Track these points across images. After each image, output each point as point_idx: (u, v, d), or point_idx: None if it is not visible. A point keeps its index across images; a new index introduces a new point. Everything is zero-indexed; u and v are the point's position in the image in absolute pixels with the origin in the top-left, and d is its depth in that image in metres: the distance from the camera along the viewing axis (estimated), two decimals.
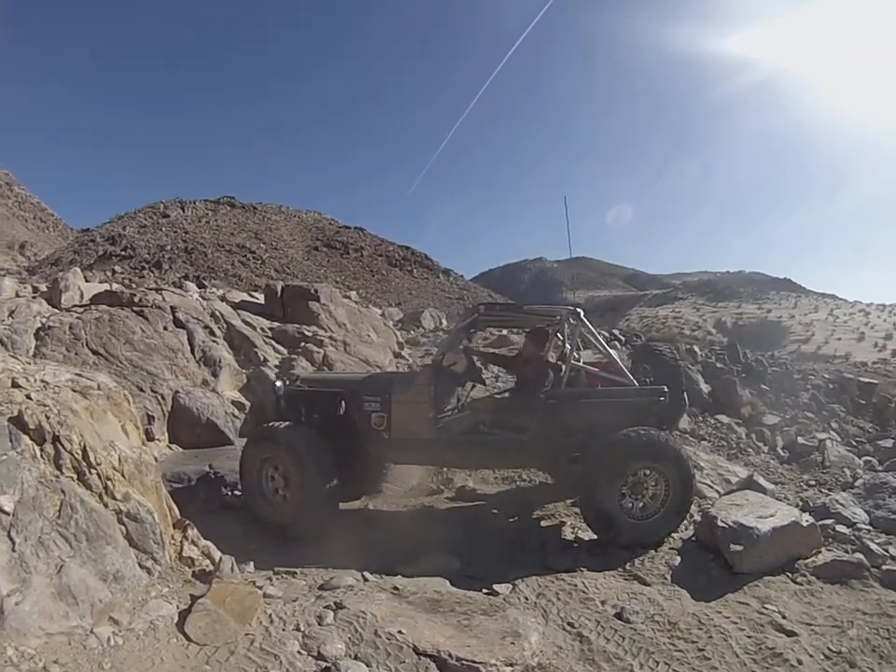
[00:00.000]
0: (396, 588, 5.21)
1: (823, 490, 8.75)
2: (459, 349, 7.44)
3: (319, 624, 4.31)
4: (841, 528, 6.88)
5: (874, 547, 6.39)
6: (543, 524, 7.46)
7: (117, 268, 35.89)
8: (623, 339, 16.63)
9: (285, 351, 13.11)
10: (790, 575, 5.97)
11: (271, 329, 14.08)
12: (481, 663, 4.00)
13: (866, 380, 14.67)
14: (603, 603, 5.30)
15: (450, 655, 4.03)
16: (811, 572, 6.00)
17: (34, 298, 12.35)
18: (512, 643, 4.29)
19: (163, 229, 57.30)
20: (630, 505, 6.48)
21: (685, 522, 6.79)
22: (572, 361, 7.07)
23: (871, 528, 6.98)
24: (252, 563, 5.75)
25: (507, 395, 7.77)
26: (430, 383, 7.03)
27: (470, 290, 72.00)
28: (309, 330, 14.05)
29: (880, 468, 9.56)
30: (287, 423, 7.15)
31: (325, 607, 4.58)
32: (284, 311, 15.41)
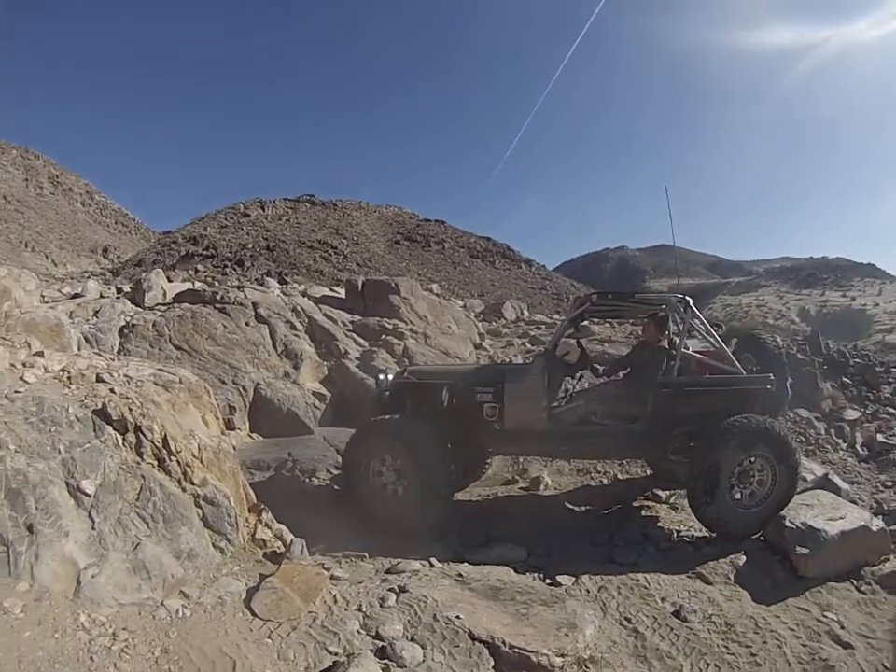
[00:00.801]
0: (460, 575, 5.33)
1: None
2: (571, 339, 7.55)
3: (381, 606, 4.48)
4: None
5: None
6: (613, 518, 7.44)
7: (199, 267, 36.54)
8: (723, 327, 16.25)
9: (366, 344, 13.26)
10: (854, 582, 5.91)
11: (352, 322, 14.26)
12: (532, 651, 4.11)
13: None
14: (663, 600, 5.34)
15: (503, 642, 4.15)
16: (876, 581, 5.90)
17: (117, 298, 12.69)
18: (567, 634, 4.41)
19: (244, 228, 57.95)
20: (739, 496, 6.51)
21: None
22: (685, 351, 7.12)
23: None
24: (323, 546, 5.94)
25: (619, 384, 7.67)
26: (543, 373, 7.06)
27: (553, 280, 71.18)
28: (390, 323, 14.12)
29: None
30: (401, 417, 7.19)
31: (388, 590, 4.75)
32: (365, 304, 15.57)
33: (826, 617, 5.26)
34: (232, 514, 5.00)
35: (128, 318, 11.16)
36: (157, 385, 5.33)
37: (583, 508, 7.78)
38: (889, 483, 8.93)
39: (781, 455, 6.44)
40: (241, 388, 10.31)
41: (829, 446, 10.31)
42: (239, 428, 9.71)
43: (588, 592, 5.43)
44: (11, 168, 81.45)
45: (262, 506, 5.62)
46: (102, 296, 13.02)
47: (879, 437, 10.51)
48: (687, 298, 7.20)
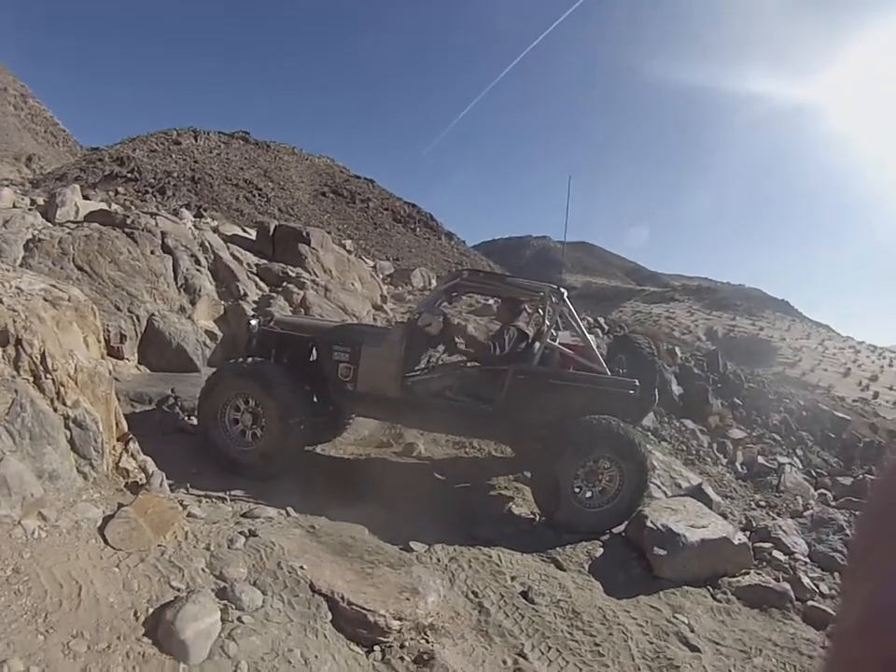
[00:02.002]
0: (313, 527, 5.35)
1: (771, 513, 8.75)
2: (437, 311, 7.36)
3: (228, 548, 4.46)
4: (777, 555, 6.95)
5: (805, 580, 6.48)
6: (480, 494, 7.49)
7: (120, 189, 35.80)
8: (605, 328, 16.34)
9: (266, 289, 13.19)
10: (711, 590, 6.00)
11: (257, 265, 14.15)
12: (370, 611, 4.09)
13: (840, 415, 14.69)
14: (513, 579, 5.33)
15: (342, 598, 4.13)
16: (733, 591, 6.02)
17: (30, 210, 12.33)
18: (408, 599, 4.38)
19: (173, 156, 56.73)
20: (579, 490, 6.53)
21: None
22: (548, 340, 7.05)
23: (808, 561, 7.04)
24: (188, 485, 5.90)
25: (477, 363, 7.64)
26: (402, 341, 6.96)
27: (470, 257, 71.65)
28: (293, 271, 14.15)
29: (833, 503, 9.44)
30: (264, 360, 7.16)
31: (239, 532, 4.72)
32: (274, 250, 15.54)
33: (676, 618, 5.31)
34: (99, 440, 4.77)
35: (35, 232, 10.87)
36: (46, 300, 5.00)
37: (451, 479, 7.81)
38: (763, 504, 9.20)
39: (625, 453, 6.48)
40: (135, 317, 10.06)
41: (709, 459, 10.53)
42: (128, 359, 9.56)
43: (439, 561, 5.42)
44: None
45: (131, 435, 5.43)
46: (14, 206, 12.69)
47: (760, 458, 10.80)
48: (561, 289, 7.14)
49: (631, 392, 6.70)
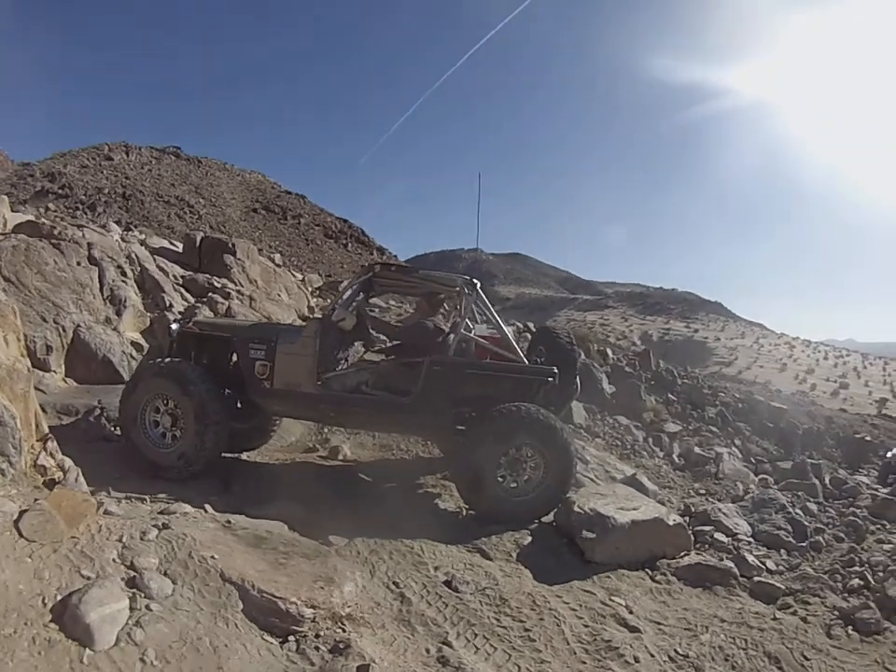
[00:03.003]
0: (228, 521, 5.24)
1: (711, 500, 8.70)
2: (349, 306, 7.41)
3: (141, 539, 4.36)
4: (719, 536, 6.90)
5: (750, 558, 6.40)
6: (406, 492, 7.47)
7: (51, 205, 35.22)
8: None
9: (192, 300, 13.11)
10: (649, 572, 5.94)
11: (183, 277, 14.10)
12: (281, 598, 4.01)
13: (776, 404, 14.91)
14: (436, 569, 5.25)
15: (253, 586, 4.05)
16: (672, 572, 5.94)
17: None
18: (322, 588, 4.30)
19: (104, 171, 56.15)
20: (503, 479, 6.50)
21: None
22: (462, 331, 7.00)
23: (752, 540, 7.03)
24: (109, 488, 5.81)
25: (393, 357, 7.62)
26: (316, 336, 6.94)
27: None
28: (219, 282, 14.12)
29: (774, 486, 9.44)
30: (181, 360, 7.16)
31: (153, 525, 4.62)
32: (200, 261, 15.51)
33: (613, 601, 5.19)
34: (17, 436, 4.78)
35: None
36: None
37: (377, 480, 7.79)
38: (703, 491, 9.23)
39: (546, 439, 6.44)
40: (61, 328, 9.85)
41: (645, 453, 10.57)
42: (55, 371, 9.36)
43: (359, 553, 5.35)
44: None
45: (49, 435, 5.42)
46: None
47: (697, 449, 10.89)
48: (475, 281, 7.18)
49: (550, 379, 6.73)
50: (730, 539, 6.93)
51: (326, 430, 9.18)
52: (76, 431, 7.46)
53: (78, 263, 11.46)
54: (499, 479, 6.48)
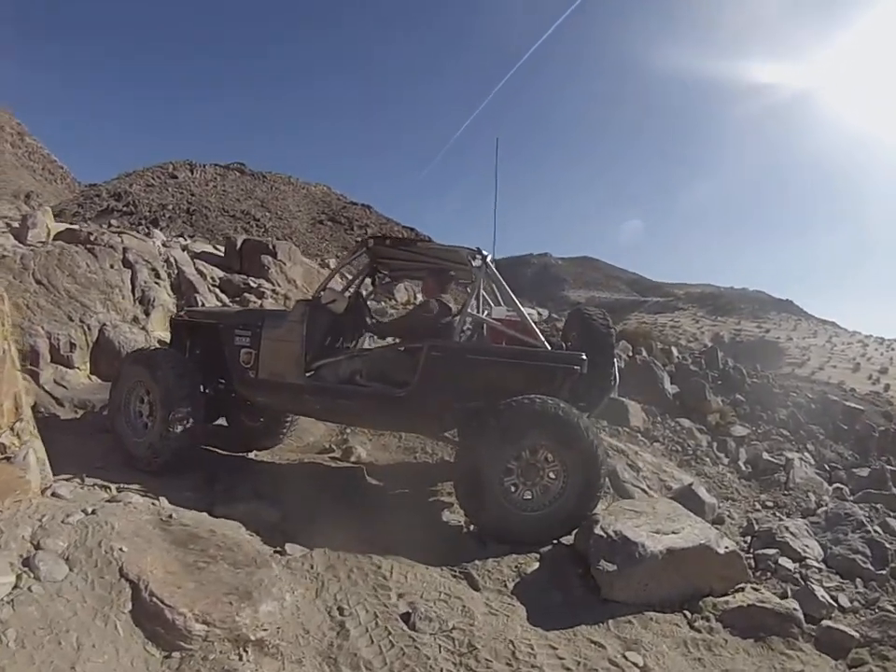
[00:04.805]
0: (171, 517, 4.77)
1: (779, 514, 7.78)
2: (340, 287, 6.92)
3: (62, 522, 4.24)
4: (784, 562, 5.90)
5: (819, 593, 5.22)
6: (414, 499, 6.60)
7: (113, 221, 35.48)
8: None
9: (227, 300, 13.17)
10: (687, 615, 4.56)
11: (220, 278, 14.12)
12: (169, 606, 3.55)
13: (852, 405, 14.14)
14: (400, 597, 4.24)
15: (146, 587, 3.67)
16: (718, 617, 4.53)
17: (2, 232, 12.48)
18: (231, 603, 3.73)
19: (170, 189, 57.30)
20: (514, 489, 5.40)
21: None
22: (472, 312, 6.21)
23: (823, 567, 5.99)
24: (84, 475, 5.60)
25: (392, 343, 6.97)
26: (302, 320, 6.28)
27: None
28: (255, 282, 14.09)
29: (850, 497, 8.55)
30: (161, 348, 7.11)
31: (81, 510, 4.46)
32: (241, 264, 15.38)
33: (627, 658, 3.86)
34: None
35: (3, 251, 10.85)
36: None
37: (389, 485, 7.04)
38: (770, 504, 8.30)
39: (566, 440, 5.29)
40: (86, 327, 9.87)
41: (708, 459, 9.72)
42: (79, 367, 9.35)
43: (311, 568, 4.51)
44: None
45: (22, 418, 5.18)
46: None
47: (766, 455, 10.01)
48: (483, 252, 6.25)
49: (576, 367, 5.59)
50: (797, 565, 5.91)
51: (347, 431, 8.49)
52: (82, 423, 7.47)
53: (111, 266, 11.64)
54: (510, 488, 5.40)
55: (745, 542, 6.42)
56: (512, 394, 5.37)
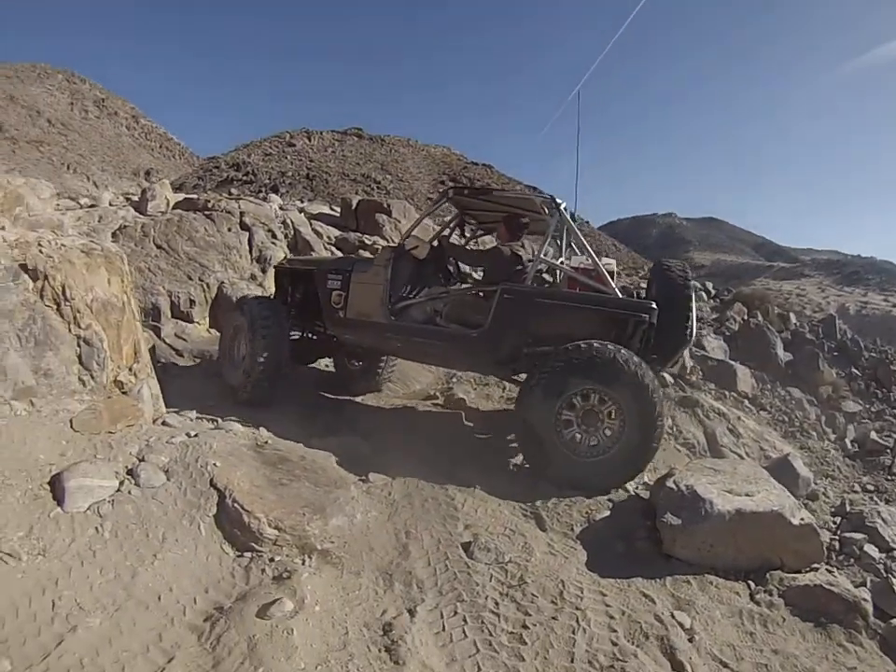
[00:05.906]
0: (266, 442, 5.34)
1: (877, 498, 7.38)
2: (434, 238, 7.30)
3: (166, 442, 4.76)
4: (870, 549, 5.36)
5: None
6: (497, 443, 6.70)
7: (233, 190, 36.53)
8: (712, 292, 15.04)
9: None
10: (751, 585, 4.31)
11: (336, 237, 14.61)
12: (247, 511, 4.02)
13: None
14: (466, 527, 4.44)
15: (230, 494, 4.15)
16: (781, 592, 4.22)
17: (124, 206, 13.16)
18: (304, 515, 4.18)
19: (288, 157, 57.93)
20: (577, 437, 5.41)
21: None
22: (544, 258, 6.22)
23: None
24: (195, 410, 6.18)
25: (469, 287, 7.17)
26: (387, 265, 6.65)
27: (594, 237, 70.12)
28: (370, 239, 14.44)
29: None
30: (254, 295, 7.62)
31: (185, 433, 5.04)
32: (357, 223, 15.81)
33: (675, 618, 3.75)
34: (102, 356, 5.49)
35: (124, 222, 11.66)
36: (82, 252, 5.79)
37: (479, 429, 7.22)
38: (871, 487, 7.86)
39: (614, 380, 5.28)
40: (205, 285, 10.66)
41: (814, 433, 9.37)
42: (198, 322, 10.19)
43: (389, 495, 4.84)
44: (57, 92, 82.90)
45: (139, 359, 6.00)
46: (111, 204, 13.50)
47: (874, 435, 9.42)
48: (557, 200, 6.24)
49: (645, 316, 5.55)
50: (883, 555, 5.33)
51: (453, 380, 8.87)
52: (198, 369, 8.29)
53: (229, 229, 12.29)
54: (574, 437, 5.40)
55: (834, 523, 6.15)
56: (580, 340, 5.41)
